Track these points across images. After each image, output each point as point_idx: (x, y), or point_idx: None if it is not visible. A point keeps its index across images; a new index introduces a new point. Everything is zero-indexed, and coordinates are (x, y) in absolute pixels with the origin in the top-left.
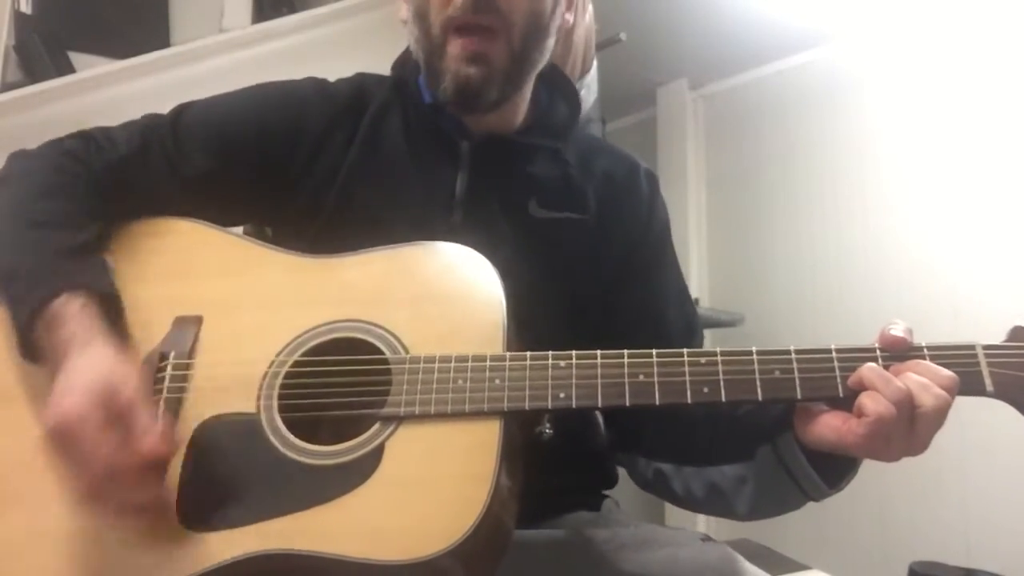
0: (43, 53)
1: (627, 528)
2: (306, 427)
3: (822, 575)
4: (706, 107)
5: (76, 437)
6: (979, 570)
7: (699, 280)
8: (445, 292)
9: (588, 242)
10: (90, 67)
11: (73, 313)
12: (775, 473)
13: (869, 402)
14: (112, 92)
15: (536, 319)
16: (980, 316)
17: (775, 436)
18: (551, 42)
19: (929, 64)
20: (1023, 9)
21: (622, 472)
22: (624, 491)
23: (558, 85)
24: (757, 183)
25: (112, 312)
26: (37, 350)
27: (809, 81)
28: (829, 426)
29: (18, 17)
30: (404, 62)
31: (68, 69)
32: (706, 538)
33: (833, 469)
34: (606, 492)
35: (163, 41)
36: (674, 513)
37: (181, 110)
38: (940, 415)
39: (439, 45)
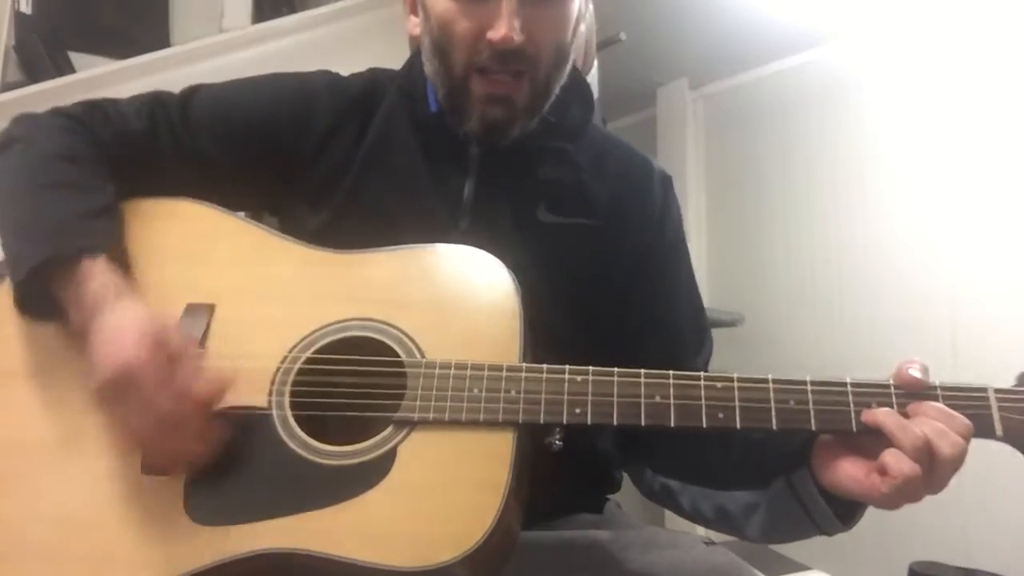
0: (43, 53)
1: (631, 530)
2: (314, 424)
3: (822, 575)
4: (706, 107)
5: (139, 380)
6: (979, 570)
7: (699, 280)
8: (463, 297)
9: (598, 247)
10: (90, 67)
11: (100, 269)
12: (789, 506)
13: (893, 462)
14: (112, 92)
15: (545, 324)
16: (978, 317)
17: (791, 470)
18: (570, 64)
19: (929, 64)
20: (1023, 9)
21: (624, 475)
22: (624, 493)
23: (572, 84)
24: (757, 183)
25: (129, 276)
26: (45, 304)
27: (809, 81)
28: (850, 476)
29: (18, 17)
30: (410, 72)
31: (68, 69)
32: (709, 542)
33: (847, 506)
34: (608, 496)
35: (163, 41)
36: (674, 516)
37: (192, 92)
38: (958, 462)
39: (461, 85)
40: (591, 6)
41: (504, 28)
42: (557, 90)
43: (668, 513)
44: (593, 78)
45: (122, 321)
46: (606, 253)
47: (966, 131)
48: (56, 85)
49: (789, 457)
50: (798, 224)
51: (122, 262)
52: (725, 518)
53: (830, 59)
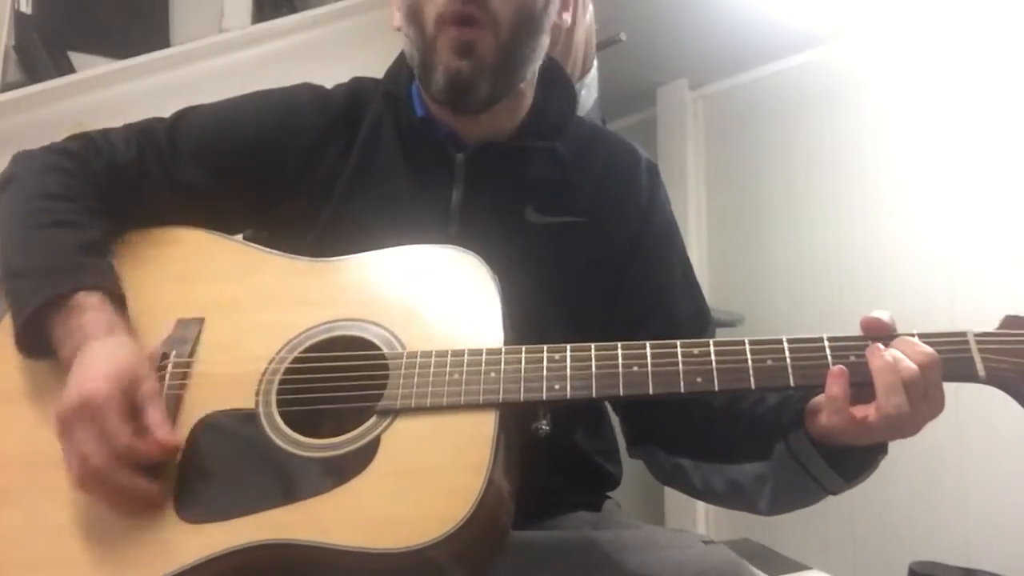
0: (43, 53)
1: (629, 529)
2: (307, 425)
3: (822, 575)
4: (706, 107)
5: (98, 415)
6: (979, 570)
7: (699, 280)
8: (441, 290)
9: (588, 243)
10: (90, 67)
11: (93, 304)
12: (792, 470)
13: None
14: (112, 92)
15: (542, 325)
16: (978, 316)
17: (788, 434)
18: (544, 40)
19: (929, 64)
20: (1023, 9)
21: (624, 472)
22: (624, 492)
23: (554, 81)
24: (757, 183)
25: (122, 311)
26: (42, 343)
27: (809, 81)
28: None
29: (18, 17)
30: (396, 75)
31: (68, 69)
32: (708, 541)
33: (848, 463)
34: (607, 494)
35: (163, 41)
36: (674, 515)
37: (177, 119)
38: (911, 385)
39: (432, 40)
40: (591, 6)
41: None
42: (530, 59)
43: (668, 513)
44: (593, 78)
45: (102, 354)
46: (596, 248)
47: (966, 131)
48: (56, 85)
49: (788, 422)
50: (798, 224)
51: (116, 291)
52: (737, 492)
53: (830, 59)
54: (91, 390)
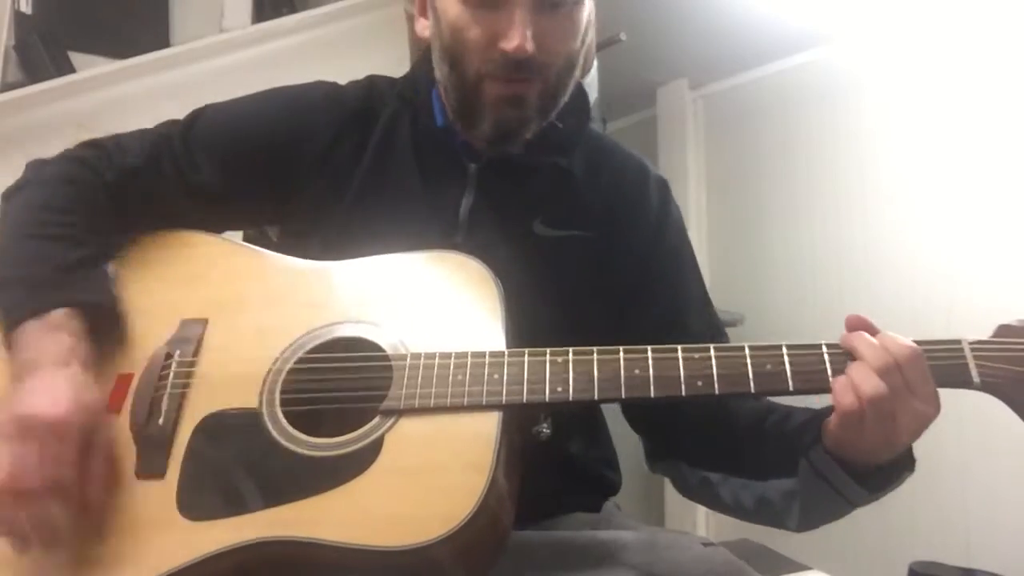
0: (43, 53)
1: (629, 530)
2: (310, 425)
3: (822, 575)
4: (706, 107)
5: (51, 436)
6: (979, 570)
7: None
8: (444, 295)
9: (595, 258)
10: (90, 67)
11: (62, 324)
12: (816, 484)
13: (858, 377)
14: (112, 92)
15: (546, 336)
16: (977, 316)
17: (808, 450)
18: (578, 70)
19: (929, 64)
20: (1023, 9)
21: (623, 473)
22: (624, 495)
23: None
24: (757, 183)
25: (107, 322)
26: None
27: (809, 81)
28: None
29: (18, 17)
30: (415, 80)
31: (68, 69)
32: (708, 543)
33: (871, 474)
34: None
35: (163, 41)
36: (674, 517)
37: (192, 119)
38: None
39: (473, 89)
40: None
41: (517, 38)
42: (567, 95)
43: (668, 514)
44: (593, 78)
45: (60, 382)
46: (603, 263)
47: (965, 131)
48: (56, 85)
49: (809, 440)
50: (798, 224)
51: (107, 303)
52: (767, 508)
53: (830, 59)
54: (60, 412)
